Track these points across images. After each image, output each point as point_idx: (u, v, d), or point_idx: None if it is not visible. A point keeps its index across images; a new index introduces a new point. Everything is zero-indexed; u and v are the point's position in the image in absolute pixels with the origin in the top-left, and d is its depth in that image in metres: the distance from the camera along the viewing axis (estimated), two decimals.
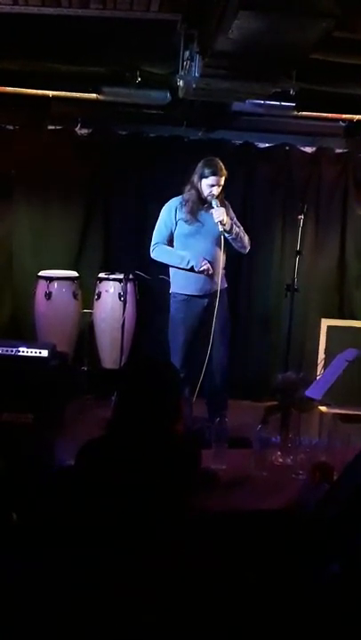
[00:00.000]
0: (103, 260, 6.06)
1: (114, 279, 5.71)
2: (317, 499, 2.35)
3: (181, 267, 4.73)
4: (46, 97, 5.33)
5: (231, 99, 5.01)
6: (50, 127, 5.91)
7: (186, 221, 4.72)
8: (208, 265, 4.67)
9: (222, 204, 4.67)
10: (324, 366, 4.61)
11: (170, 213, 4.78)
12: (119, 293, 5.57)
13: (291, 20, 3.00)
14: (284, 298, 5.29)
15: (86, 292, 5.85)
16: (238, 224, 4.84)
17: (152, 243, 4.84)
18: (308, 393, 3.68)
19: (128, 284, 5.48)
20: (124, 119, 5.92)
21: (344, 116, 5.72)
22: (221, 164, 4.66)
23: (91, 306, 5.85)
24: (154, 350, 5.69)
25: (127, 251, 5.93)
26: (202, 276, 4.72)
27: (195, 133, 6.01)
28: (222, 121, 5.81)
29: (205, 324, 4.76)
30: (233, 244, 4.80)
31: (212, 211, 4.63)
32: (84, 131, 5.99)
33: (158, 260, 4.86)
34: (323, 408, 4.44)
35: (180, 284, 4.80)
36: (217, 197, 4.65)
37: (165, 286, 4.93)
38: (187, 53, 4.10)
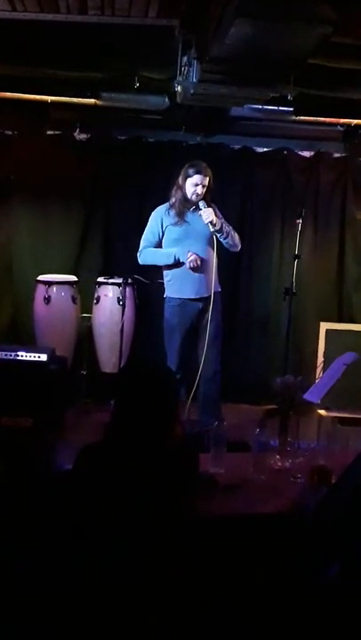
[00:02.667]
0: (102, 264, 6.06)
1: (113, 283, 5.71)
2: (316, 502, 2.36)
3: (170, 263, 4.75)
4: (45, 102, 5.34)
5: (229, 104, 5.03)
6: (49, 132, 5.93)
7: (175, 224, 4.75)
8: (195, 256, 4.67)
9: (209, 206, 4.68)
10: (323, 370, 4.63)
11: (157, 220, 4.82)
12: (118, 298, 5.58)
13: (288, 26, 3.01)
14: (283, 302, 5.30)
15: (85, 297, 5.85)
16: (227, 223, 4.85)
17: (139, 249, 4.88)
18: (307, 396, 3.69)
19: (127, 289, 5.49)
20: (122, 124, 5.95)
21: (342, 120, 5.74)
22: (206, 165, 4.70)
23: (90, 310, 5.85)
24: (152, 354, 5.69)
25: (126, 255, 5.91)
26: (197, 279, 4.74)
27: (193, 138, 6.03)
28: (220, 126, 5.83)
29: (200, 328, 4.79)
30: (224, 244, 4.81)
31: (201, 212, 4.65)
32: (83, 136, 6.01)
33: (146, 263, 4.89)
34: (321, 411, 4.44)
35: (174, 287, 4.82)
36: (203, 199, 4.66)
37: (163, 291, 4.94)
38: (185, 59, 4.12)
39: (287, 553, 2.24)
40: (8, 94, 5.21)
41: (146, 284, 5.41)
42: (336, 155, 6.21)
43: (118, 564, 1.96)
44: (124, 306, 5.42)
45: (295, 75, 4.19)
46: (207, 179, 4.67)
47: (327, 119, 5.68)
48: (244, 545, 2.39)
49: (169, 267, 4.81)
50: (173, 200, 4.76)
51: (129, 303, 5.54)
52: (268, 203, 6.19)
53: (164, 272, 4.87)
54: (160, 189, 5.86)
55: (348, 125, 5.82)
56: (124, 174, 6.02)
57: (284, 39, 3.17)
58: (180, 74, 4.23)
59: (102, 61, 4.72)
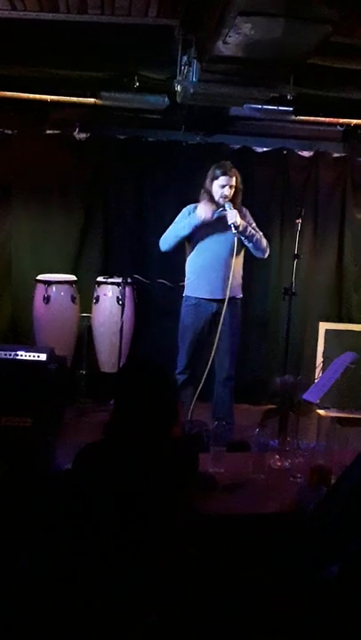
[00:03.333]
0: (102, 263, 6.05)
1: (112, 283, 5.71)
2: (315, 502, 2.36)
3: (190, 227, 4.70)
4: (45, 102, 5.34)
5: (229, 103, 5.03)
6: (48, 132, 5.91)
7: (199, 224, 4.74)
8: (202, 207, 4.65)
9: (237, 209, 4.68)
10: (322, 370, 4.63)
11: (184, 216, 4.82)
12: (117, 297, 5.58)
13: (289, 25, 3.01)
14: (283, 301, 5.30)
15: (85, 296, 5.85)
16: (257, 229, 4.85)
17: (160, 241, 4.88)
18: (306, 396, 3.69)
19: (126, 288, 5.49)
20: (122, 124, 5.94)
21: (342, 120, 5.74)
22: (232, 165, 4.71)
23: (89, 310, 5.85)
24: (152, 354, 5.69)
25: (126, 255, 5.95)
26: (214, 279, 4.74)
27: (193, 138, 6.02)
28: (220, 125, 5.82)
29: (213, 330, 4.78)
30: (250, 248, 4.81)
31: (225, 213, 4.64)
32: (83, 135, 6.00)
33: (167, 244, 4.84)
34: (321, 411, 4.44)
35: (192, 286, 4.84)
36: (230, 200, 4.66)
37: (163, 290, 4.94)
38: (185, 58, 4.12)
39: (287, 553, 2.24)
40: (8, 93, 5.20)
41: (145, 283, 5.41)
42: (336, 154, 6.21)
43: (118, 564, 1.96)
44: (123, 305, 5.42)
45: (295, 74, 4.19)
46: (234, 179, 4.68)
47: (327, 119, 5.68)
48: (244, 544, 2.39)
49: (192, 264, 4.81)
50: (201, 201, 4.75)
51: (128, 303, 5.54)
52: (267, 202, 6.18)
53: (187, 270, 4.88)
54: (159, 188, 5.89)
55: (348, 125, 5.82)
56: (123, 174, 6.01)
57: (285, 39, 3.16)
58: (179, 73, 4.23)
59: (102, 61, 4.73)
